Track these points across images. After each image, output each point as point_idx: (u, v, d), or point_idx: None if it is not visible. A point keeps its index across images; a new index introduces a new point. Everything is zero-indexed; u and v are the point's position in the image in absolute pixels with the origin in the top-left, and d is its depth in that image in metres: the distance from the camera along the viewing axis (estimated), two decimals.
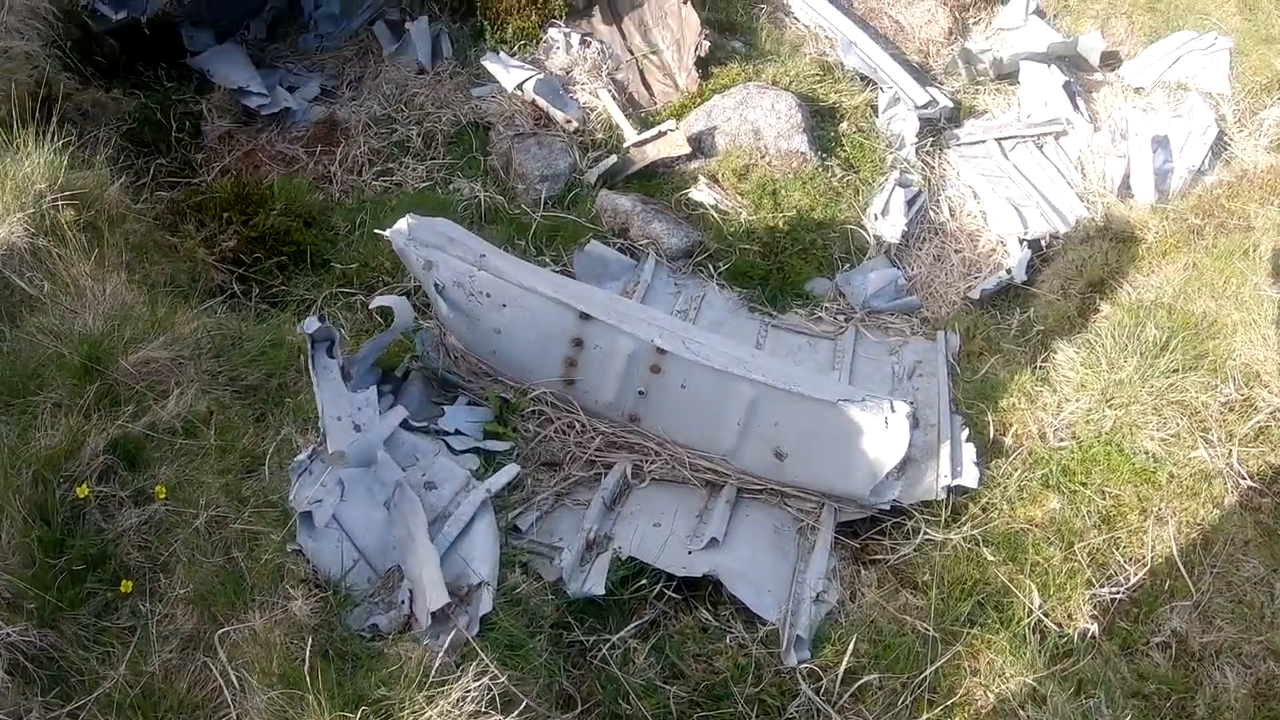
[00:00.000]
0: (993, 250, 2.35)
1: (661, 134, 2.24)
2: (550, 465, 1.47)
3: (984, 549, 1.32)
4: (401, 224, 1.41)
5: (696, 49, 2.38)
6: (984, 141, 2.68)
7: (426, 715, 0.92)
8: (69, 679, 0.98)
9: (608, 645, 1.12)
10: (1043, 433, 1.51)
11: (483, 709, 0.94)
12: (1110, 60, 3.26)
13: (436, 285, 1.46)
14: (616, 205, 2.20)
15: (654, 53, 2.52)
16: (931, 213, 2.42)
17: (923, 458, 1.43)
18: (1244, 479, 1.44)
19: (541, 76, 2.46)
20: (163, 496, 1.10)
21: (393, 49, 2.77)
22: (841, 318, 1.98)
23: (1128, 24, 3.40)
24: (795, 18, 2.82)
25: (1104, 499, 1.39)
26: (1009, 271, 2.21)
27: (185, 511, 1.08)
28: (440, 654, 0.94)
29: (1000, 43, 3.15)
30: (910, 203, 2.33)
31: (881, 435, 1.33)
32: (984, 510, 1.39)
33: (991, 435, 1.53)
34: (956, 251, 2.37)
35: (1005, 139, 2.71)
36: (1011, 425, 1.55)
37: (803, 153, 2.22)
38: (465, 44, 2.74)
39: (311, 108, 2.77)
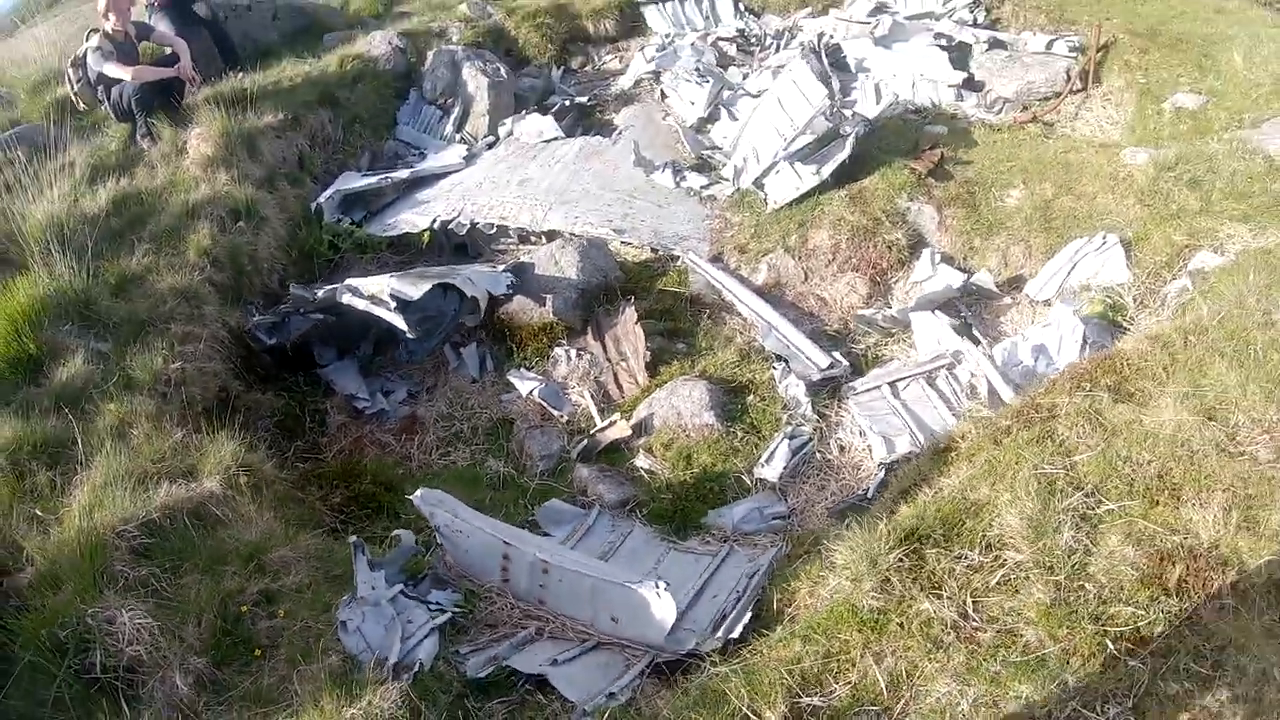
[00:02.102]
0: (869, 476, 3.61)
1: (612, 423, 3.91)
2: (490, 625, 2.84)
3: (736, 680, 2.49)
4: (416, 494, 3.02)
5: (645, 356, 4.15)
6: (878, 387, 4.05)
7: None
8: None
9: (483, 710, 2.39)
10: (811, 603, 2.69)
11: None
12: (1017, 283, 4.60)
13: (436, 527, 3.03)
14: (580, 474, 3.79)
15: (623, 360, 4.31)
16: (820, 454, 3.75)
17: (706, 619, 2.64)
18: (968, 619, 2.44)
19: (545, 385, 4.29)
20: (283, 615, 2.61)
21: (455, 365, 4.78)
22: (722, 540, 3.31)
23: (1025, 248, 4.75)
24: (737, 314, 4.58)
25: (831, 641, 2.48)
26: (865, 490, 3.43)
27: (296, 622, 2.58)
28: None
29: (917, 293, 4.61)
30: (798, 449, 3.70)
31: (657, 604, 2.61)
32: (748, 653, 2.56)
33: (776, 606, 2.72)
34: (839, 481, 3.64)
35: (897, 381, 4.05)
36: (795, 599, 2.74)
37: (711, 424, 3.75)
38: (502, 360, 4.71)
39: (400, 407, 4.75)
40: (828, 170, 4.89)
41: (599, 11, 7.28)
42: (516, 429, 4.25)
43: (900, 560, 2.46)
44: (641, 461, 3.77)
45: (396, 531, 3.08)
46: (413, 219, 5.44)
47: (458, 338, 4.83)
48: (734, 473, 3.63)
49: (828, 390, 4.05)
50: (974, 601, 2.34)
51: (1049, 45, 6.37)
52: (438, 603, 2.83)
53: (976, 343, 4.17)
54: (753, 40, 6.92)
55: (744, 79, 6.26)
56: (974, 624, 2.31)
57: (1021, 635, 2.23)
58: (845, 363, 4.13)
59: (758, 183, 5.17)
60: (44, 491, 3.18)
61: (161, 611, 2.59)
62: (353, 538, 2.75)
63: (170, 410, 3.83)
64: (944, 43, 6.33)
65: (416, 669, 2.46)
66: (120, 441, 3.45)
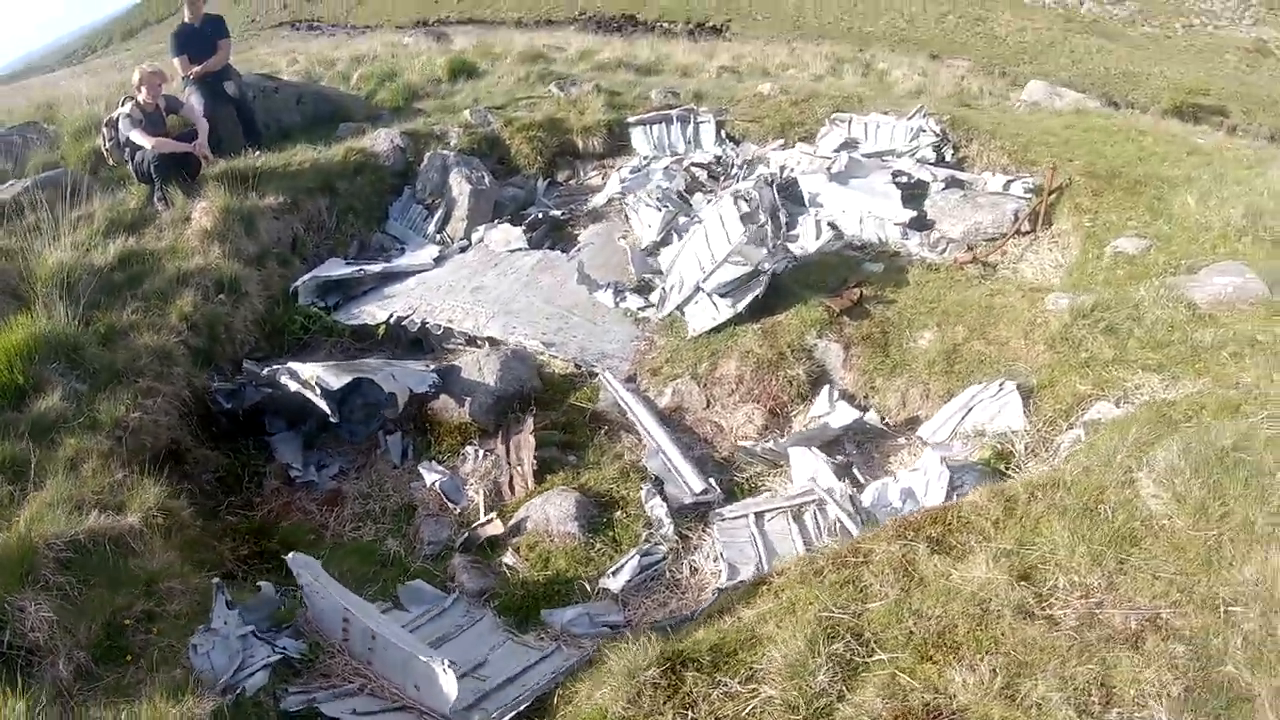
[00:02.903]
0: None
1: (489, 521, 4.82)
2: (325, 675, 3.71)
3: None
4: (290, 555, 3.94)
5: (533, 464, 5.09)
6: (744, 515, 4.67)
7: None
8: None
9: None
10: (577, 706, 3.49)
11: None
12: (914, 424, 5.27)
13: (301, 586, 3.95)
14: (453, 561, 4.68)
15: (519, 465, 5.25)
16: (670, 573, 4.49)
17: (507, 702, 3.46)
18: None
19: (447, 479, 5.24)
20: (156, 632, 3.53)
21: (383, 450, 5.77)
22: (553, 639, 4.13)
23: (924, 390, 5.41)
24: (635, 433, 5.47)
25: None
26: (693, 612, 4.18)
27: (165, 640, 3.49)
28: None
29: (815, 426, 5.24)
30: (648, 566, 4.50)
31: (443, 679, 3.45)
32: None
33: (555, 703, 3.53)
34: (680, 600, 4.38)
35: (764, 511, 4.65)
36: (573, 699, 3.54)
37: (572, 533, 4.61)
38: (421, 451, 5.68)
39: (329, 481, 5.72)
40: (742, 304, 5.86)
41: (589, 129, 8.56)
42: (417, 514, 5.18)
43: (657, 678, 3.03)
44: (508, 559, 4.65)
45: (261, 583, 4.00)
46: (374, 311, 6.55)
47: (390, 425, 5.84)
48: (584, 579, 4.47)
49: (697, 514, 4.91)
50: (715, 716, 2.85)
51: (1006, 186, 7.30)
52: (283, 647, 3.72)
53: (857, 483, 4.94)
54: (724, 168, 8.08)
55: (705, 205, 7.38)
56: None
57: None
58: (719, 490, 4.95)
59: (680, 309, 6.17)
60: (3, 500, 4.19)
61: (64, 611, 3.52)
62: (215, 579, 3.68)
63: (121, 452, 4.85)
64: (904, 179, 7.35)
65: (240, 691, 3.35)
66: (71, 471, 4.47)
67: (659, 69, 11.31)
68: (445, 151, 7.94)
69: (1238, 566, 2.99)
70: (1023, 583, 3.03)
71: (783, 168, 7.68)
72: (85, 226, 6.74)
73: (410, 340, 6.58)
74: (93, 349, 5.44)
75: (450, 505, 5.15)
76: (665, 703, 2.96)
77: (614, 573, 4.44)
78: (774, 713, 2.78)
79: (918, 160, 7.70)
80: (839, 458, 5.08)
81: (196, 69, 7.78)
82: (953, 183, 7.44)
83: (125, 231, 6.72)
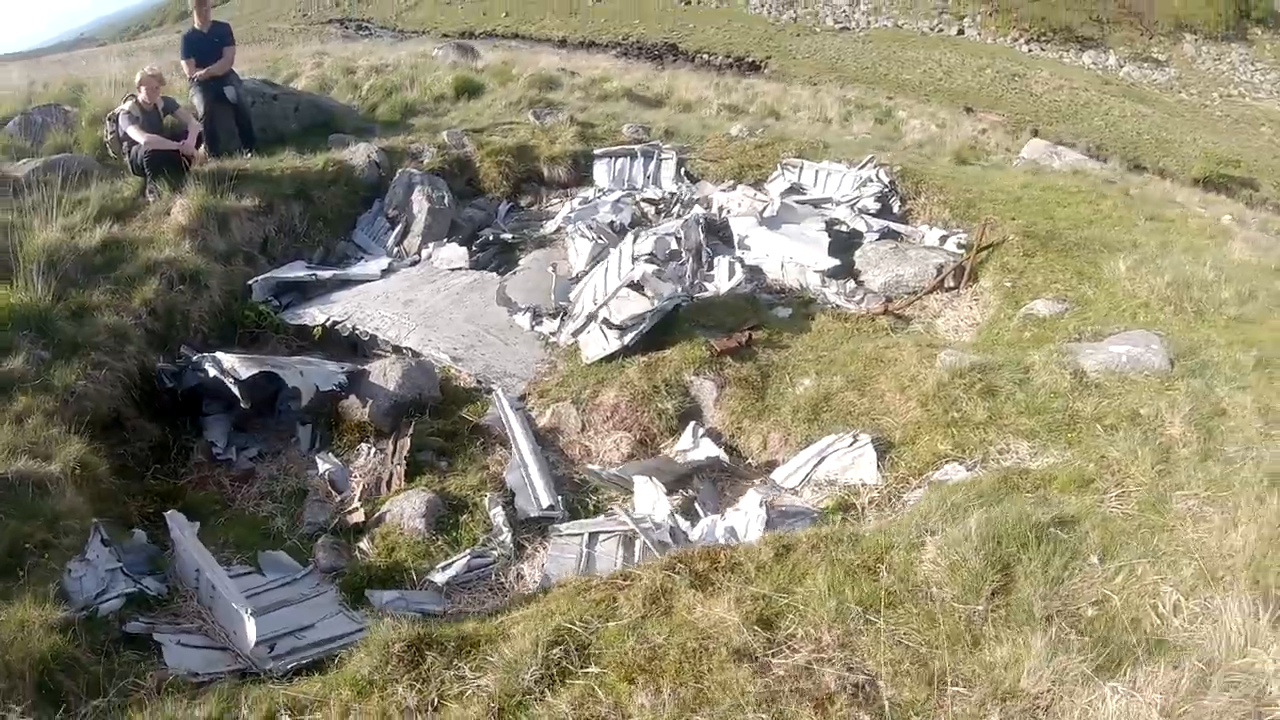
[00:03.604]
0: None
1: (354, 510, 5.96)
2: (175, 615, 4.89)
3: (240, 690, 4.39)
4: (169, 513, 5.14)
5: (403, 464, 6.21)
6: (580, 534, 5.50)
7: None
8: None
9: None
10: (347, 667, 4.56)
11: None
12: (771, 467, 5.89)
13: (173, 539, 5.15)
14: (320, 541, 5.82)
15: (399, 464, 6.39)
16: (498, 576, 5.52)
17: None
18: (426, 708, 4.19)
19: (337, 470, 6.39)
20: (47, 558, 4.76)
21: (295, 439, 6.98)
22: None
23: (784, 435, 6.03)
24: (511, 449, 6.53)
25: (330, 692, 4.26)
26: None
27: (53, 564, 4.73)
28: None
29: (668, 459, 6.09)
30: (477, 567, 5.53)
31: (246, 626, 4.50)
32: (297, 683, 4.47)
33: (339, 662, 4.62)
34: (500, 601, 5.39)
35: (598, 533, 5.48)
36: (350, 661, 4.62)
37: (418, 529, 5.67)
38: (328, 442, 6.87)
39: (246, 461, 6.94)
40: (629, 337, 6.84)
41: (556, 158, 9.73)
42: (307, 498, 6.34)
43: (402, 653, 3.80)
44: (364, 545, 5.76)
45: (135, 530, 5.23)
46: (316, 313, 7.80)
47: (305, 417, 7.05)
48: (419, 570, 5.55)
49: (539, 528, 5.92)
50: (439, 697, 3.58)
51: (942, 240, 8.16)
52: (145, 585, 4.92)
53: (696, 517, 5.86)
54: (673, 205, 9.12)
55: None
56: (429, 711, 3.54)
57: None
58: (563, 509, 5.93)
59: (574, 337, 7.22)
60: None
61: None
62: (94, 520, 4.91)
63: (64, 413, 6.14)
64: (842, 229, 8.27)
65: (94, 611, 4.54)
66: (17, 423, 5.77)
67: (663, 102, 12.42)
68: (413, 170, 9.21)
69: (988, 648, 3.18)
70: (758, 627, 3.40)
71: (722, 208, 8.68)
72: (80, 210, 8.19)
73: (348, 343, 7.81)
74: (61, 322, 6.79)
75: (334, 493, 6.30)
76: (404, 675, 3.71)
77: (443, 568, 5.45)
78: (481, 699, 3.40)
79: (857, 210, 8.58)
80: (688, 492, 6.00)
81: (201, 72, 9.24)
82: (888, 234, 8.31)
83: (113, 219, 8.13)
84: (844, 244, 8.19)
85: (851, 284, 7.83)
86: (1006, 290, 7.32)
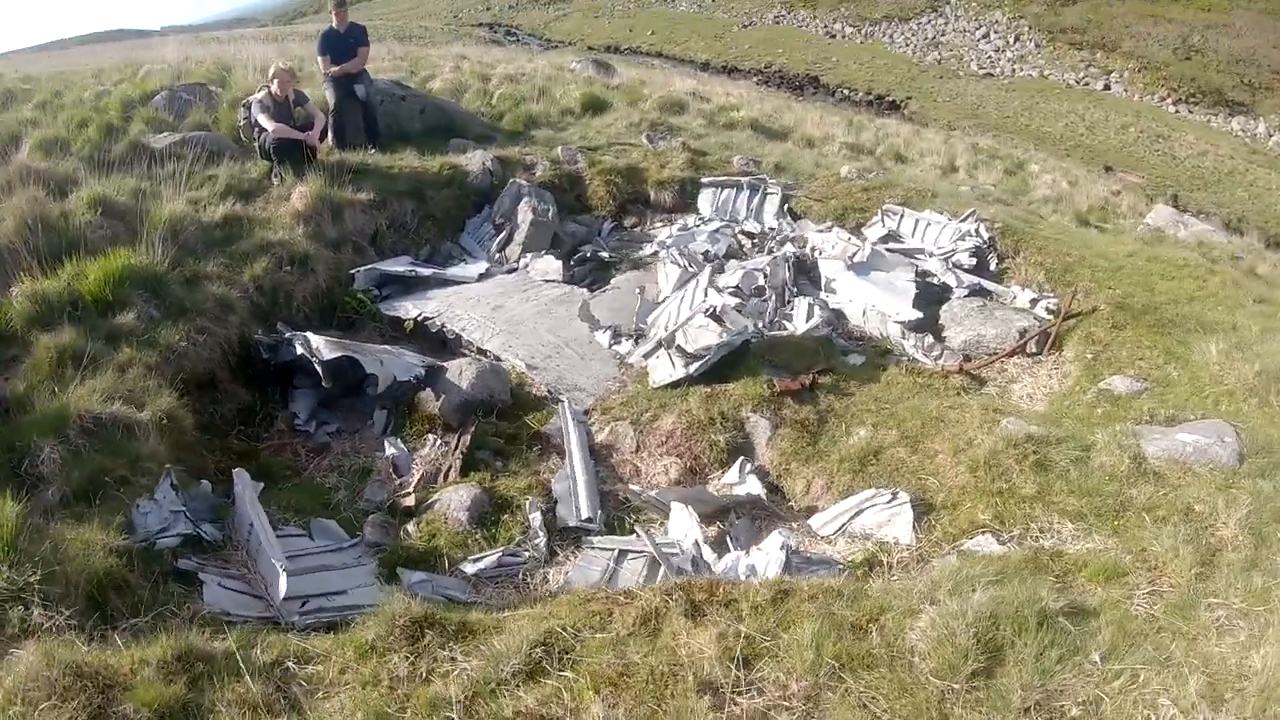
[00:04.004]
0: None
1: (407, 494, 6.43)
2: (224, 560, 5.46)
3: (264, 638, 4.86)
4: (236, 470, 5.76)
5: (459, 459, 6.66)
6: (611, 550, 5.69)
7: None
8: None
9: None
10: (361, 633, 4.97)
11: None
12: (810, 512, 6.06)
13: (235, 493, 5.75)
14: (371, 518, 6.32)
15: (456, 457, 6.86)
16: (527, 576, 5.71)
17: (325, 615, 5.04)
18: (414, 675, 4.49)
19: (401, 455, 6.91)
20: (121, 492, 5.43)
21: (371, 422, 7.57)
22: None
23: (828, 482, 6.17)
24: (565, 459, 6.89)
25: (337, 653, 4.66)
26: None
27: (127, 498, 5.39)
28: None
29: (725, 492, 6.27)
30: (508, 565, 5.85)
31: (279, 582, 5.05)
32: (311, 637, 4.92)
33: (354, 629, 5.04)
34: (521, 599, 5.76)
35: (626, 551, 5.66)
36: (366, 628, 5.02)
37: (460, 520, 6.04)
38: (400, 428, 7.41)
39: (324, 436, 7.60)
40: (695, 368, 7.08)
41: (663, 182, 10.16)
42: (371, 477, 6.90)
43: (406, 627, 4.18)
44: (410, 527, 6.24)
45: (203, 480, 5.85)
46: (410, 307, 8.44)
47: (384, 403, 7.65)
48: (452, 558, 5.94)
49: (575, 537, 6.23)
50: (427, 672, 3.93)
51: (1033, 303, 8.08)
52: (203, 530, 5.51)
53: (724, 550, 6.08)
54: (771, 240, 9.35)
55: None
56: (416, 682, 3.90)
57: None
58: (600, 523, 6.22)
59: (645, 359, 7.53)
60: (68, 375, 6.27)
61: (68, 459, 5.39)
62: (167, 466, 5.55)
63: (164, 368, 6.93)
64: (933, 281, 8.31)
65: (150, 543, 5.14)
66: (120, 372, 6.57)
67: (788, 135, 12.73)
68: (522, 181, 9.82)
69: None
70: (732, 664, 3.58)
71: (815, 249, 8.87)
72: (209, 186, 9.19)
73: (438, 339, 8.40)
74: (174, 286, 7.65)
75: (395, 476, 6.83)
76: (403, 647, 4.09)
77: (475, 560, 5.83)
78: (462, 681, 3.73)
79: (950, 263, 8.60)
80: (725, 525, 6.23)
81: (335, 69, 10.19)
82: (978, 291, 8.30)
83: (237, 198, 9.08)
84: (934, 297, 8.19)
85: (930, 339, 7.82)
86: (1087, 362, 7.25)
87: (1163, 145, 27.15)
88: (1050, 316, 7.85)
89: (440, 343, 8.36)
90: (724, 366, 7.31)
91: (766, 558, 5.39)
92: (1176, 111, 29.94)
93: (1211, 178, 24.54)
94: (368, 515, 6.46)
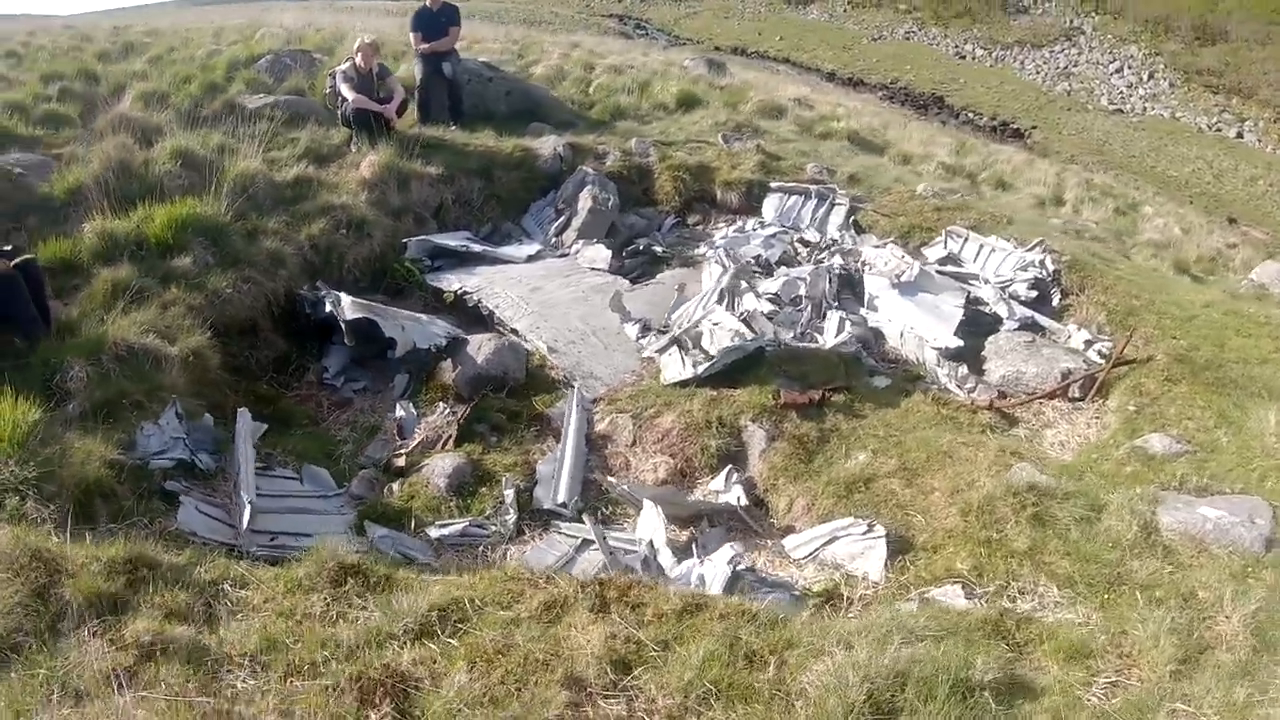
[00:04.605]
0: None
1: (400, 455, 7.01)
2: (212, 490, 6.17)
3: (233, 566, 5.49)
4: (241, 410, 6.49)
5: (454, 430, 7.19)
6: (575, 537, 6.00)
7: None
8: None
9: None
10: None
11: None
12: (789, 531, 6.12)
13: (235, 432, 6.47)
14: (362, 473, 6.93)
15: (453, 427, 7.39)
16: (488, 549, 6.29)
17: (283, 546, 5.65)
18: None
19: (409, 417, 7.50)
20: (134, 413, 6.24)
21: (392, 384, 8.23)
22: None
23: (809, 504, 6.18)
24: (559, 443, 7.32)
25: (275, 586, 5.22)
26: None
27: (142, 416, 6.21)
28: None
29: (710, 499, 6.49)
30: (473, 534, 6.33)
31: (245, 510, 5.68)
32: (268, 566, 5.53)
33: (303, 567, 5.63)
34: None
35: (586, 541, 5.98)
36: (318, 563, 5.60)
37: (439, 487, 6.46)
38: (416, 392, 8.03)
39: (349, 392, 8.33)
40: (702, 369, 7.32)
41: (731, 183, 10.45)
42: (378, 434, 7.54)
43: (334, 571, 4.66)
44: (395, 486, 6.81)
45: (206, 415, 6.60)
46: (453, 280, 9.05)
47: (408, 367, 8.29)
48: (422, 521, 6.42)
49: (546, 520, 6.55)
50: (337, 615, 4.42)
51: (1088, 344, 7.91)
52: (197, 458, 6.24)
53: (686, 555, 6.30)
54: (829, 251, 9.48)
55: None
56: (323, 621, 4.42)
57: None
58: (574, 510, 6.48)
59: (658, 355, 7.83)
60: (117, 307, 7.11)
61: (94, 380, 6.20)
62: (173, 397, 6.31)
63: (206, 310, 7.76)
64: (985, 310, 8.26)
65: (145, 462, 5.88)
66: (163, 309, 7.44)
67: (885, 150, 12.79)
68: (588, 169, 10.33)
69: None
70: (611, 665, 3.79)
71: (866, 263, 8.97)
72: (290, 147, 10.12)
73: (475, 314, 9.01)
74: (233, 237, 8.52)
75: (398, 437, 7.44)
76: (325, 588, 4.59)
77: (441, 525, 6.28)
78: (360, 630, 4.14)
79: (1007, 293, 8.50)
80: (694, 530, 6.31)
81: (425, 46, 11.01)
82: (1030, 325, 8.16)
83: (313, 161, 9.97)
84: (985, 327, 8.08)
85: (964, 369, 7.69)
86: (1128, 415, 7.01)
87: None
88: (1101, 361, 7.65)
89: (477, 318, 8.95)
90: (736, 371, 7.53)
91: (715, 570, 5.54)
92: None
93: None
94: (363, 469, 7.11)
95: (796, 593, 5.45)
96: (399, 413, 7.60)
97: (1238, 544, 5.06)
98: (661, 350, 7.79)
